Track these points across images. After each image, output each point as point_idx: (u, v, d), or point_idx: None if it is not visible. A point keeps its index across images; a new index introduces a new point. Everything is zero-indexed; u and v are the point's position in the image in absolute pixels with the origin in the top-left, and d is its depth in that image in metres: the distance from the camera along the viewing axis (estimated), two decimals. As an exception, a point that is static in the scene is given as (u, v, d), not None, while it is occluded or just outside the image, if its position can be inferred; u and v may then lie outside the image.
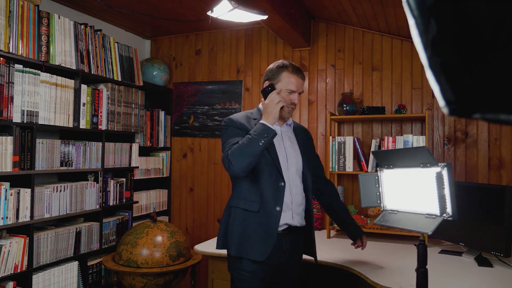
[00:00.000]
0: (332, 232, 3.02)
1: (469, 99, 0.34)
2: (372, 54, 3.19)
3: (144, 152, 3.64)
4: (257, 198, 1.79)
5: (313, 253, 2.01)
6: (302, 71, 1.89)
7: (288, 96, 1.83)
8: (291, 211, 1.86)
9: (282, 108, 1.78)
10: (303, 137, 2.04)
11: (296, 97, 1.85)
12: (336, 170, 2.90)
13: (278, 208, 1.79)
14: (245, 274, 1.81)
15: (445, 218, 1.42)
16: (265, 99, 1.78)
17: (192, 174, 3.76)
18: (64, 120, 2.66)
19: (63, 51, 2.65)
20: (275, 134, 1.71)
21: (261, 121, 1.73)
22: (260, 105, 1.93)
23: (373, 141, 2.87)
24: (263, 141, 1.67)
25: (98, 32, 2.98)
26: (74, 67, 2.72)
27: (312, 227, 1.98)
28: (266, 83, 1.86)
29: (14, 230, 2.43)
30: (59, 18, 2.63)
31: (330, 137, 2.92)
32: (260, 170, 1.80)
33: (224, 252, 2.45)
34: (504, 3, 0.30)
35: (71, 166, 2.71)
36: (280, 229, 1.83)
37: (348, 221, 2.14)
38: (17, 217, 2.35)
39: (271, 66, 1.93)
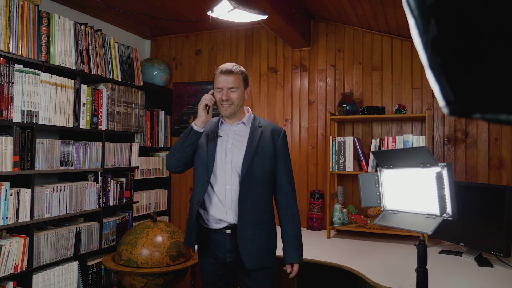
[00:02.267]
0: (332, 232, 3.02)
1: (469, 99, 0.34)
2: (372, 54, 3.19)
3: (144, 152, 3.64)
4: (194, 192, 1.99)
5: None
6: (231, 69, 1.92)
7: (218, 94, 1.92)
8: (225, 208, 1.90)
9: (209, 107, 1.92)
10: (267, 136, 1.96)
11: (225, 93, 1.89)
12: (336, 170, 2.90)
13: (197, 202, 1.92)
14: (200, 265, 2.02)
15: (445, 218, 1.42)
16: None
17: (192, 174, 3.76)
18: (64, 120, 2.66)
19: (63, 51, 2.65)
20: (195, 131, 1.88)
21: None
22: None
23: (373, 141, 2.87)
24: (183, 138, 1.90)
25: (98, 32, 2.97)
26: (74, 67, 2.72)
27: (247, 227, 1.87)
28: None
29: (14, 230, 2.42)
30: (59, 18, 2.63)
31: (330, 137, 2.92)
32: (195, 167, 1.99)
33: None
34: (504, 3, 0.30)
35: (71, 166, 2.71)
36: (220, 226, 1.91)
37: (287, 242, 1.98)
38: (17, 217, 2.34)
39: None
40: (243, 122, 1.98)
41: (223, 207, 1.90)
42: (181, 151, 1.91)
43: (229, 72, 1.91)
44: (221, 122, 2.00)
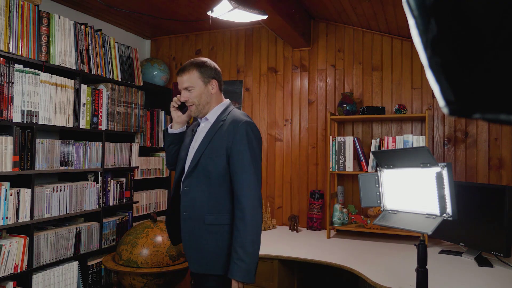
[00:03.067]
0: (332, 232, 3.02)
1: (469, 99, 0.34)
2: (372, 54, 3.19)
3: (144, 152, 3.64)
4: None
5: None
6: (184, 68, 1.83)
7: (181, 95, 1.90)
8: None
9: (178, 110, 1.94)
10: (224, 133, 1.75)
11: (182, 94, 1.86)
12: (336, 170, 2.90)
13: (171, 200, 1.93)
14: None
15: (445, 218, 1.42)
16: None
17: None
18: (64, 120, 2.66)
19: (63, 51, 2.65)
20: (167, 133, 1.95)
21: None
22: None
23: (373, 141, 2.87)
24: (164, 140, 1.98)
25: (98, 32, 2.97)
26: (74, 67, 2.72)
27: (194, 227, 1.75)
28: None
29: (14, 230, 2.42)
30: (59, 18, 2.63)
31: (330, 137, 2.92)
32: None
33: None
34: (504, 3, 0.30)
35: (71, 166, 2.71)
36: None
37: (230, 250, 1.69)
38: (17, 217, 2.34)
39: None
40: (206, 118, 1.86)
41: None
42: (166, 150, 1.99)
43: (181, 71, 1.82)
44: (199, 120, 1.93)
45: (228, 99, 1.93)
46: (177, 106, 1.92)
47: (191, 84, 1.80)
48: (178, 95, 1.90)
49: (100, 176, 2.94)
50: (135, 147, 3.25)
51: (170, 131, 1.95)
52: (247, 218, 1.65)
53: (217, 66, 1.90)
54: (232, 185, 1.72)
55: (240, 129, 1.71)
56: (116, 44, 3.12)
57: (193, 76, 1.80)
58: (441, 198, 1.43)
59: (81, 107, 2.78)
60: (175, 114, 1.93)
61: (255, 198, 1.68)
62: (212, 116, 1.84)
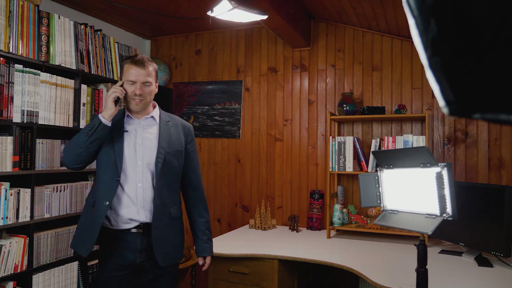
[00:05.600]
0: (332, 232, 3.02)
1: (469, 99, 0.34)
2: (372, 54, 3.19)
3: (144, 152, 3.64)
4: (94, 193, 1.83)
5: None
6: (145, 62, 1.82)
7: (130, 88, 1.80)
8: (137, 207, 1.80)
9: (121, 100, 1.80)
10: (176, 132, 1.93)
11: (138, 87, 1.79)
12: (336, 170, 2.90)
13: (106, 203, 1.77)
14: (99, 273, 1.85)
15: (445, 218, 1.42)
16: None
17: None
18: (64, 120, 2.66)
19: (63, 51, 2.65)
20: (104, 125, 1.74)
21: (97, 114, 1.79)
22: None
23: (373, 141, 2.87)
24: (88, 132, 1.73)
25: (98, 32, 2.98)
26: (74, 67, 2.72)
27: (163, 225, 1.84)
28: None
29: (14, 230, 2.42)
30: (59, 18, 2.63)
31: (330, 137, 2.92)
32: (99, 165, 1.83)
33: (224, 252, 2.46)
34: (504, 3, 0.30)
35: (71, 166, 2.71)
36: (129, 226, 1.81)
37: (200, 236, 1.98)
38: (17, 217, 2.34)
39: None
40: (152, 117, 1.90)
41: (134, 206, 1.80)
42: (85, 146, 1.74)
43: (143, 65, 1.80)
44: (127, 115, 1.88)
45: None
46: (122, 97, 1.80)
47: (150, 80, 1.83)
48: (122, 86, 1.80)
49: (100, 176, 2.94)
50: (135, 147, 3.25)
51: (106, 123, 1.75)
52: (206, 206, 2.05)
53: None
54: (188, 179, 1.99)
55: (191, 132, 2.01)
56: (116, 44, 3.12)
57: (153, 73, 1.86)
58: (441, 198, 1.43)
59: (81, 107, 2.78)
60: (113, 105, 1.76)
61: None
62: (156, 115, 1.93)
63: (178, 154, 1.92)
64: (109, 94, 1.77)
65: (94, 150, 1.79)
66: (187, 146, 1.97)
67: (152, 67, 1.85)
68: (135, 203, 1.81)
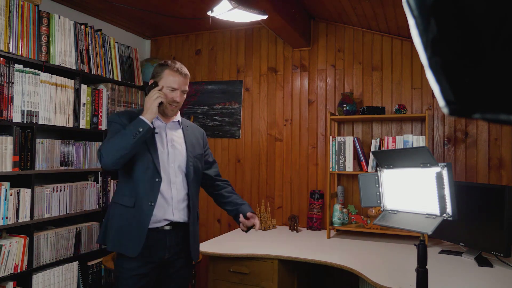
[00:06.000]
0: (332, 232, 3.02)
1: (469, 99, 0.34)
2: (372, 54, 3.19)
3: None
4: (133, 193, 1.82)
5: (189, 252, 1.96)
6: (185, 71, 1.90)
7: (170, 94, 1.85)
8: (171, 207, 1.87)
9: (162, 104, 1.85)
10: (195, 137, 2.05)
11: (178, 95, 1.87)
12: (336, 170, 2.90)
13: (151, 203, 1.80)
14: (123, 271, 1.81)
15: (445, 218, 1.42)
16: (145, 95, 1.88)
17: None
18: (64, 120, 2.66)
19: (63, 51, 2.65)
20: (150, 128, 1.75)
21: (139, 117, 1.77)
22: None
23: (373, 141, 2.87)
24: (135, 135, 1.72)
25: (98, 32, 2.98)
26: (74, 67, 2.72)
27: (194, 224, 1.96)
28: (151, 81, 1.89)
29: (14, 230, 2.42)
30: (59, 18, 2.63)
31: (330, 137, 2.92)
32: (137, 165, 1.82)
33: (224, 252, 2.46)
34: (504, 3, 0.30)
35: (71, 166, 2.71)
36: (160, 225, 1.85)
37: (240, 201, 2.11)
38: (17, 217, 2.34)
39: (156, 64, 1.96)
40: (178, 121, 1.99)
41: (169, 206, 1.87)
42: (131, 148, 1.73)
43: (184, 74, 1.89)
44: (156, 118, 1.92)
45: None
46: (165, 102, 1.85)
47: (187, 88, 1.93)
48: (161, 91, 1.83)
49: (100, 176, 2.94)
50: (135, 147, 3.25)
51: (150, 125, 1.78)
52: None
53: None
54: (214, 172, 2.15)
55: (205, 136, 2.16)
56: (116, 44, 3.12)
57: (188, 81, 1.95)
58: (441, 198, 1.43)
59: (81, 107, 2.78)
60: (157, 109, 1.81)
61: None
62: (180, 120, 2.02)
63: (200, 158, 2.03)
64: (153, 98, 1.79)
65: (135, 152, 1.82)
66: (205, 149, 2.11)
67: (188, 75, 1.94)
68: (169, 203, 1.87)
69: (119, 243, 1.82)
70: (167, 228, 1.87)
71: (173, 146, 1.92)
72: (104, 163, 1.74)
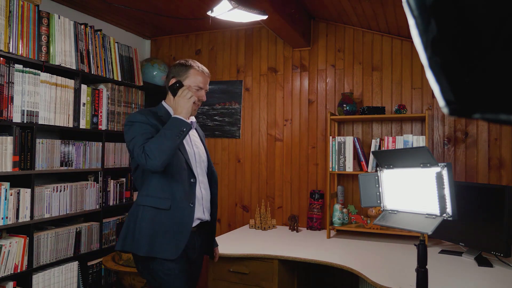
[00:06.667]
0: (332, 232, 3.02)
1: (469, 99, 0.34)
2: (372, 54, 3.19)
3: (144, 152, 3.64)
4: (168, 195, 1.75)
5: (210, 249, 2.03)
6: (207, 70, 1.93)
7: (197, 93, 1.86)
8: (202, 206, 1.87)
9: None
10: (201, 135, 2.07)
11: (204, 94, 1.89)
12: (336, 170, 2.90)
13: (191, 204, 1.78)
14: (160, 275, 1.74)
15: (445, 218, 1.42)
16: (174, 95, 1.81)
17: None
18: (64, 120, 2.66)
19: (63, 51, 2.65)
20: (191, 128, 1.75)
21: (174, 116, 1.72)
22: (164, 102, 1.92)
23: (373, 141, 2.87)
24: (180, 135, 1.68)
25: (98, 32, 2.98)
26: (74, 67, 2.72)
27: (215, 220, 1.99)
28: (173, 80, 1.86)
29: (14, 230, 2.42)
30: (59, 18, 2.63)
31: (330, 137, 2.92)
32: (171, 166, 1.75)
33: (224, 252, 2.46)
34: (504, 3, 0.30)
35: (71, 166, 2.71)
36: (194, 224, 1.82)
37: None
38: (17, 217, 2.34)
39: (176, 64, 1.92)
40: (193, 121, 1.96)
41: (200, 205, 1.86)
42: (175, 148, 1.69)
43: (208, 74, 1.92)
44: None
45: None
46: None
47: (208, 88, 1.94)
48: (191, 91, 1.81)
49: (100, 176, 2.94)
50: (135, 147, 3.25)
51: (190, 124, 1.76)
52: None
53: None
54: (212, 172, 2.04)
55: (204, 136, 2.12)
56: (116, 44, 3.12)
57: None
58: (441, 198, 1.43)
59: (81, 107, 2.78)
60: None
61: None
62: (194, 119, 2.00)
63: (209, 156, 2.04)
64: (187, 97, 1.76)
65: None
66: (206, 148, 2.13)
67: (209, 75, 1.95)
68: (200, 202, 1.86)
69: (155, 247, 1.72)
70: (195, 229, 1.85)
71: (196, 146, 1.92)
72: (153, 165, 1.63)
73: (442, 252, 2.52)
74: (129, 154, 1.86)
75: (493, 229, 2.26)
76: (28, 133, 2.41)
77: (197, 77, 1.85)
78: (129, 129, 1.75)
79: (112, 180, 3.06)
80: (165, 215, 1.74)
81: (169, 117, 1.80)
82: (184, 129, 1.70)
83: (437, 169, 1.45)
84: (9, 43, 2.32)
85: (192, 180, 1.81)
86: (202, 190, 1.88)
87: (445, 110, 0.35)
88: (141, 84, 3.35)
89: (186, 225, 1.76)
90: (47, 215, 2.54)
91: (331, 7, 2.94)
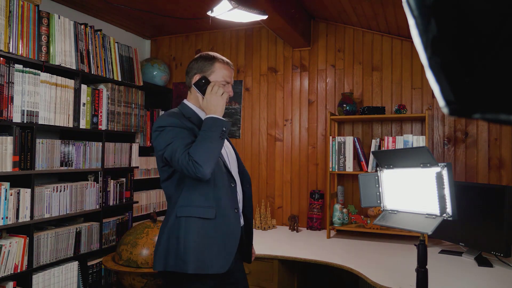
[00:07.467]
0: (332, 232, 3.02)
1: (469, 99, 0.34)
2: (372, 54, 3.19)
3: (144, 152, 3.64)
4: (212, 203, 1.57)
5: (246, 253, 1.80)
6: (231, 63, 1.73)
7: (224, 88, 1.66)
8: (239, 212, 1.71)
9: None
10: None
11: (230, 89, 1.70)
12: (336, 170, 2.90)
13: (236, 211, 1.63)
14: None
15: (445, 218, 1.42)
16: (201, 93, 1.61)
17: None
18: (64, 120, 2.66)
19: (63, 51, 2.65)
20: (230, 126, 1.60)
21: (210, 116, 1.55)
22: (186, 101, 1.71)
23: (373, 141, 2.87)
24: (222, 136, 1.53)
25: (98, 32, 2.97)
26: (74, 67, 2.72)
27: (251, 222, 1.80)
28: (197, 76, 1.66)
29: (14, 230, 2.42)
30: (59, 18, 2.63)
31: (330, 137, 2.92)
32: (215, 171, 1.59)
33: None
34: (504, 3, 0.30)
35: (71, 166, 2.71)
36: None
37: None
38: (17, 217, 2.34)
39: (197, 58, 1.70)
40: None
41: (237, 212, 1.68)
42: (220, 151, 1.55)
43: (232, 67, 1.73)
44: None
45: None
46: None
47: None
48: (223, 88, 1.64)
49: (100, 176, 2.94)
50: (135, 147, 3.25)
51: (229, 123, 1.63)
52: None
53: None
54: (243, 171, 1.83)
55: None
56: (116, 44, 3.12)
57: None
58: (441, 198, 1.43)
59: (81, 107, 2.78)
60: None
61: None
62: None
63: (237, 154, 1.86)
64: (220, 94, 1.58)
65: None
66: None
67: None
68: (240, 207, 1.72)
69: (205, 262, 1.53)
70: None
71: (227, 147, 1.74)
72: (204, 173, 1.45)
73: (442, 252, 2.52)
74: (157, 163, 1.63)
75: (493, 229, 2.26)
76: (28, 133, 2.41)
77: (223, 71, 1.66)
78: (159, 135, 1.55)
79: (112, 180, 3.06)
80: (210, 226, 1.56)
81: (197, 118, 1.65)
82: (225, 129, 1.53)
83: (437, 169, 1.45)
84: (9, 43, 2.32)
85: (232, 184, 1.65)
86: (239, 194, 1.71)
87: (445, 110, 0.35)
88: (141, 84, 3.35)
89: (234, 234, 1.60)
90: (47, 215, 2.54)
91: (331, 7, 2.93)
